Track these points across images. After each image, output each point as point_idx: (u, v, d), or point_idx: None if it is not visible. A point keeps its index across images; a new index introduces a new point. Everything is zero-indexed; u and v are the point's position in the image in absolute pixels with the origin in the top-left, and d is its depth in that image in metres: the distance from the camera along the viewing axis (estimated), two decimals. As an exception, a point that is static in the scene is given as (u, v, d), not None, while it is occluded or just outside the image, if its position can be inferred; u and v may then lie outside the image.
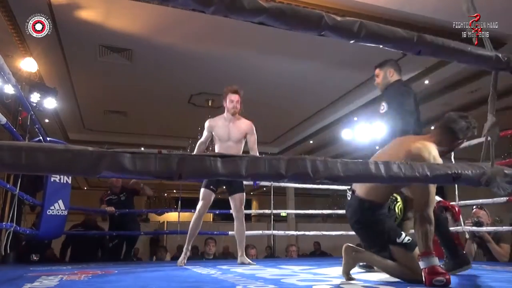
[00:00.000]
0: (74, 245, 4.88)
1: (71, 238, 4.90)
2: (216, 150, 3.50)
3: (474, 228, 3.82)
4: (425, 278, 1.74)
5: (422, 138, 2.10)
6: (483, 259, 3.85)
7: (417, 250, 1.91)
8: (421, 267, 1.79)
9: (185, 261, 3.32)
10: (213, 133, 3.47)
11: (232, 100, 3.47)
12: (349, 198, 2.19)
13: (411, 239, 1.97)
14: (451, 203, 4.11)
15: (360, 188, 2.10)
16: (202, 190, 3.44)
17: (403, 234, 2.01)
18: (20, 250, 4.82)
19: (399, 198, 2.19)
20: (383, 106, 2.62)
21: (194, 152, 3.33)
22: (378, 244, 2.02)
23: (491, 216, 4.22)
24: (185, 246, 3.42)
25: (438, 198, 2.77)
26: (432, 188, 1.89)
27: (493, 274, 2.22)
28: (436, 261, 1.78)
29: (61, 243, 5.09)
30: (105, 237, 5.06)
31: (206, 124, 3.52)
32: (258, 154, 3.49)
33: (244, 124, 3.53)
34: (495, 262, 3.55)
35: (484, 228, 3.80)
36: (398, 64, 2.82)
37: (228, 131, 3.46)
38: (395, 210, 2.18)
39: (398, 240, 1.96)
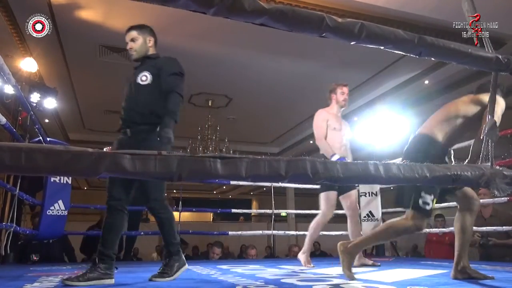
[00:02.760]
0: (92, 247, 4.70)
1: (91, 239, 4.66)
2: (330, 138, 3.28)
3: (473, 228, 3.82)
4: None
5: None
6: (476, 258, 3.87)
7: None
8: None
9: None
10: (327, 122, 3.33)
11: (343, 92, 3.42)
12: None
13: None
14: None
15: (423, 128, 2.11)
16: (327, 193, 3.22)
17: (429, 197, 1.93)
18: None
19: None
20: (146, 77, 2.28)
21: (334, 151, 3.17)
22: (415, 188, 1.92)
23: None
24: (306, 248, 3.25)
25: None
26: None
27: (493, 274, 2.22)
28: None
29: (79, 246, 5.03)
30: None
31: (322, 115, 3.37)
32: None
33: (345, 122, 3.54)
34: (494, 262, 3.55)
35: (483, 228, 3.81)
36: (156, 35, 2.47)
37: (340, 122, 3.41)
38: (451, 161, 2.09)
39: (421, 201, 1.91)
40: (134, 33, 2.35)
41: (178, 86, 2.25)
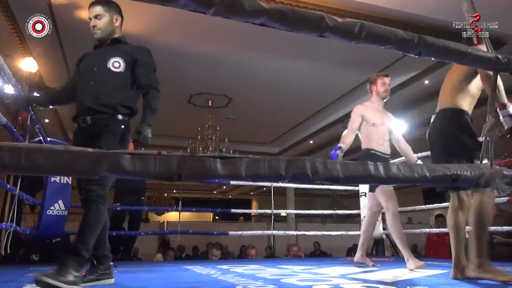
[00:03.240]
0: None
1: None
2: (367, 134, 3.11)
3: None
4: None
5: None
6: None
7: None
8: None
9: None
10: (364, 118, 3.12)
11: (384, 83, 3.17)
12: (432, 120, 2.17)
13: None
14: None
15: (442, 104, 2.14)
16: (381, 186, 2.95)
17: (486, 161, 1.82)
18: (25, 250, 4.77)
19: None
20: (119, 64, 2.04)
21: (344, 143, 2.95)
22: (460, 160, 1.77)
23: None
24: (406, 251, 2.81)
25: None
26: None
27: (493, 275, 2.22)
28: None
29: None
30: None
31: (357, 110, 3.14)
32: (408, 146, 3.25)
33: (388, 114, 3.29)
34: (499, 262, 3.56)
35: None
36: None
37: (382, 116, 3.17)
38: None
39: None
40: (99, 9, 2.09)
41: (158, 82, 2.10)
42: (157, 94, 2.08)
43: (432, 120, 2.23)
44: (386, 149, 3.14)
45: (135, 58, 2.07)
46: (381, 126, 3.12)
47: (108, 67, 2.03)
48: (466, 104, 2.10)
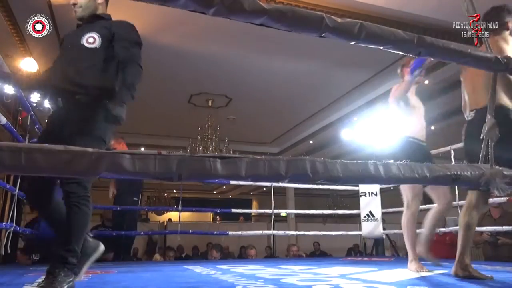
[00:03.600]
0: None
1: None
2: (406, 119, 2.84)
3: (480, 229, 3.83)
4: None
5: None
6: (481, 258, 3.88)
7: None
8: None
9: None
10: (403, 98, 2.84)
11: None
12: (470, 119, 2.11)
13: None
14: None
15: (477, 102, 2.06)
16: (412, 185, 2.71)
17: None
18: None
19: None
20: (94, 39, 1.84)
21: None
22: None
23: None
24: (412, 252, 2.69)
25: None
26: None
27: (494, 274, 2.22)
28: None
29: None
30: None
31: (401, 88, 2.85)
32: None
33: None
34: (495, 262, 3.56)
35: (483, 228, 3.81)
36: None
37: (416, 98, 2.94)
38: None
39: None
40: None
41: (140, 58, 1.89)
42: (136, 68, 1.85)
43: (470, 119, 2.12)
44: (425, 136, 2.84)
45: (113, 32, 1.89)
46: (419, 109, 2.89)
47: (82, 43, 1.84)
48: (508, 100, 2.00)
